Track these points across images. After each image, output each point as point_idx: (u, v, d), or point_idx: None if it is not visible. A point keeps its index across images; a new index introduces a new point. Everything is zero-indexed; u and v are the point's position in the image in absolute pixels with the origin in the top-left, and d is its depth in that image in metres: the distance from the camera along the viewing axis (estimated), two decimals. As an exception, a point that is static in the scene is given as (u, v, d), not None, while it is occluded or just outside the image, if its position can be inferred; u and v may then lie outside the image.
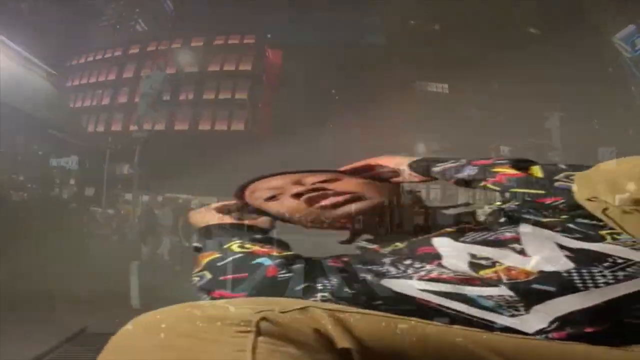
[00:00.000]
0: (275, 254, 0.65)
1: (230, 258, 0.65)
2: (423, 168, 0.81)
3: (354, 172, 0.84)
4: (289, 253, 0.66)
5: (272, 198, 0.79)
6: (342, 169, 0.87)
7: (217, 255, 0.66)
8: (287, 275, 0.61)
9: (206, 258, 0.67)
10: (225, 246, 0.67)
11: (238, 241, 0.68)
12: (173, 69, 12.96)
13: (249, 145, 12.24)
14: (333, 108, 13.99)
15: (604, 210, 0.56)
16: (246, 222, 0.75)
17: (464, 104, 13.66)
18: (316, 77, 14.24)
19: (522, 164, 0.71)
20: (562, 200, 0.64)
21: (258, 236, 0.71)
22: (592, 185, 0.60)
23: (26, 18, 7.92)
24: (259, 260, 0.63)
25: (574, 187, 0.62)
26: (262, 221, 0.77)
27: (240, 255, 0.65)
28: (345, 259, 0.67)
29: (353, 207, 0.74)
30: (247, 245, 0.67)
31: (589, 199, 0.58)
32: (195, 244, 0.73)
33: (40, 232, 6.15)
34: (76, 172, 8.91)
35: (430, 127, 13.11)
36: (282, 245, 0.71)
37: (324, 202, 0.74)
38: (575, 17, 9.97)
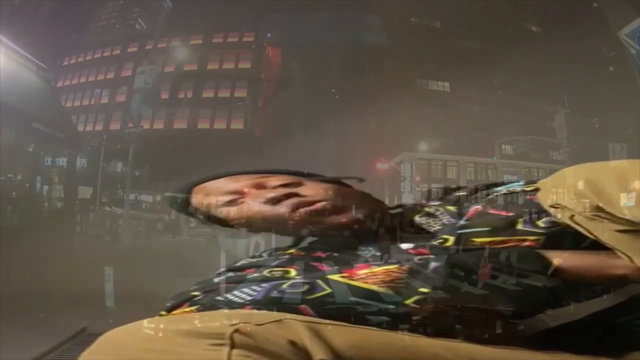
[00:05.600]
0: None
1: None
2: None
3: (309, 176, 0.79)
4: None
5: (231, 202, 0.73)
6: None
7: None
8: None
9: None
10: None
11: None
12: (172, 67, 12.91)
13: (248, 145, 12.22)
14: (333, 108, 13.93)
15: (571, 217, 0.56)
16: None
17: (466, 102, 13.61)
18: (316, 76, 14.18)
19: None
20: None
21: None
22: (554, 191, 0.60)
23: (23, 15, 7.82)
24: None
25: (539, 195, 0.63)
26: None
27: None
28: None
29: (343, 218, 0.70)
30: None
31: (552, 206, 0.59)
32: None
33: (39, 232, 6.10)
34: (71, 170, 8.85)
35: (432, 126, 13.05)
36: None
37: (313, 209, 0.70)
38: (580, 11, 9.91)
